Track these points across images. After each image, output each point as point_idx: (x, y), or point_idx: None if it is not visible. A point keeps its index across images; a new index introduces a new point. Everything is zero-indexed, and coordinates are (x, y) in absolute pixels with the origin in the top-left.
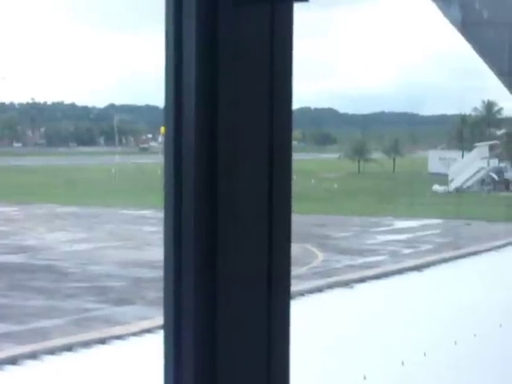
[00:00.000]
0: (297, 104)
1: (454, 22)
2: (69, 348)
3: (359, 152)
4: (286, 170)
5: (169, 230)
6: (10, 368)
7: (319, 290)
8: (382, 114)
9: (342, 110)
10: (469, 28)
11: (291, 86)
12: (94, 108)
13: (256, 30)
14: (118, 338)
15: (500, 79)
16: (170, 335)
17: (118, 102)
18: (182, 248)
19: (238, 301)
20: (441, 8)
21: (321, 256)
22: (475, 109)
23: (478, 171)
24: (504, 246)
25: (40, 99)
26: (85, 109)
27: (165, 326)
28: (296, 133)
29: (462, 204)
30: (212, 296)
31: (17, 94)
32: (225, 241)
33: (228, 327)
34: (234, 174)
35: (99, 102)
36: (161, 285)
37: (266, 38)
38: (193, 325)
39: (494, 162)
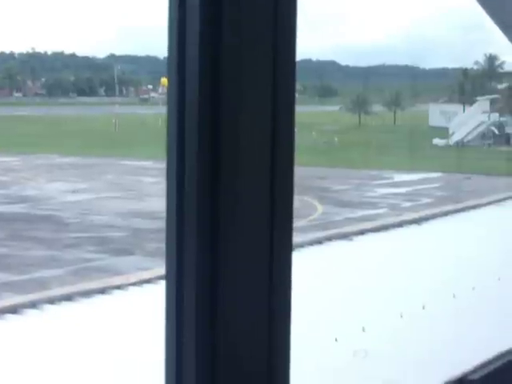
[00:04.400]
0: (298, 56)
1: None
2: (68, 298)
3: (360, 105)
4: (288, 123)
5: (172, 181)
6: (9, 317)
7: (319, 242)
8: (383, 66)
9: (343, 63)
10: None
11: (295, 37)
12: (94, 58)
13: None
14: (118, 288)
15: (504, 32)
16: (172, 292)
17: (119, 52)
18: (184, 198)
19: (240, 254)
20: None
21: (320, 208)
22: (477, 62)
23: (478, 125)
24: (504, 199)
25: (40, 49)
26: (85, 59)
27: (167, 282)
28: (297, 85)
29: (462, 158)
30: (214, 248)
31: (17, 44)
32: (227, 192)
33: (230, 280)
34: (237, 128)
35: (100, 52)
36: (161, 235)
37: None
38: (195, 276)
39: (495, 116)
